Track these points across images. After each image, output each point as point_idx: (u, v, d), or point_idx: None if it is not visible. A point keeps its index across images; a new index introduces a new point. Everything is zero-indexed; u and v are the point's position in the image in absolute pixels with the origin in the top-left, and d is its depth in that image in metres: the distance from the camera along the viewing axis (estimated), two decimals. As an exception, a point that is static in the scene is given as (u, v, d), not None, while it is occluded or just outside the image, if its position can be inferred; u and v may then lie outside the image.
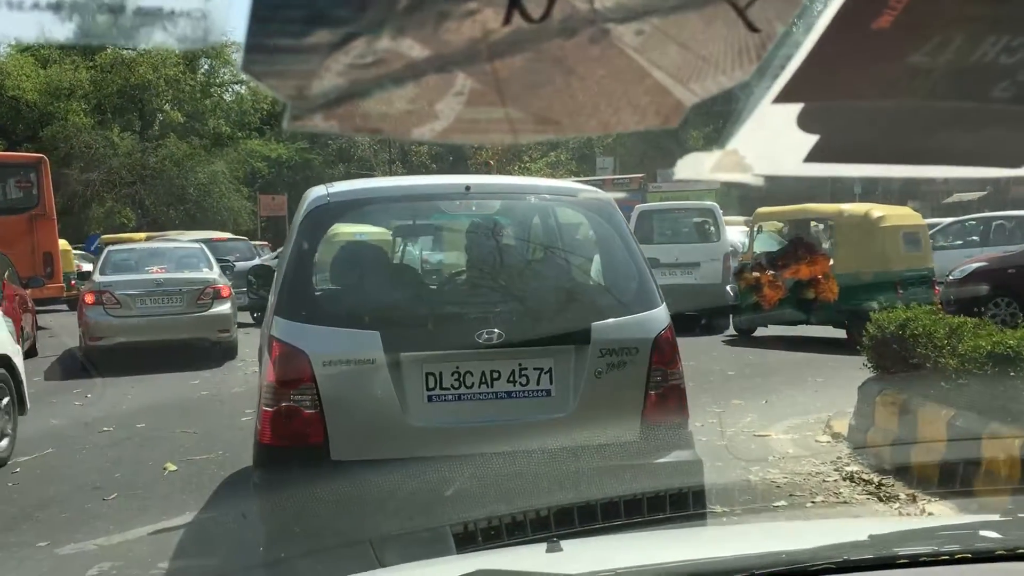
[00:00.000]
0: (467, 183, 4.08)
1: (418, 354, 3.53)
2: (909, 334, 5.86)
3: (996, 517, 1.58)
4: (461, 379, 3.55)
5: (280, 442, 3.48)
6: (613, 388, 3.60)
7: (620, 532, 2.88)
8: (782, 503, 4.80)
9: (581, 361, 3.60)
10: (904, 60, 0.64)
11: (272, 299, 3.79)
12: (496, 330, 3.51)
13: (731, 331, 12.60)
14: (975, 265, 12.31)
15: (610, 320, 3.67)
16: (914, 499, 4.75)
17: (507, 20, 0.58)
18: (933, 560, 1.38)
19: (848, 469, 5.40)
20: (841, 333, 11.23)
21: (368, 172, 37.18)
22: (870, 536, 1.46)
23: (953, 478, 4.72)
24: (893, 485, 5.03)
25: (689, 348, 10.18)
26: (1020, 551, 1.40)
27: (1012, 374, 4.84)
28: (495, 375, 3.57)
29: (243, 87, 38.57)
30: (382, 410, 3.48)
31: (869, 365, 6.50)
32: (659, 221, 14.04)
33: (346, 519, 3.38)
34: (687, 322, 12.29)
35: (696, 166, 0.71)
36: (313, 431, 3.43)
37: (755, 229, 12.96)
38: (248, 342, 12.77)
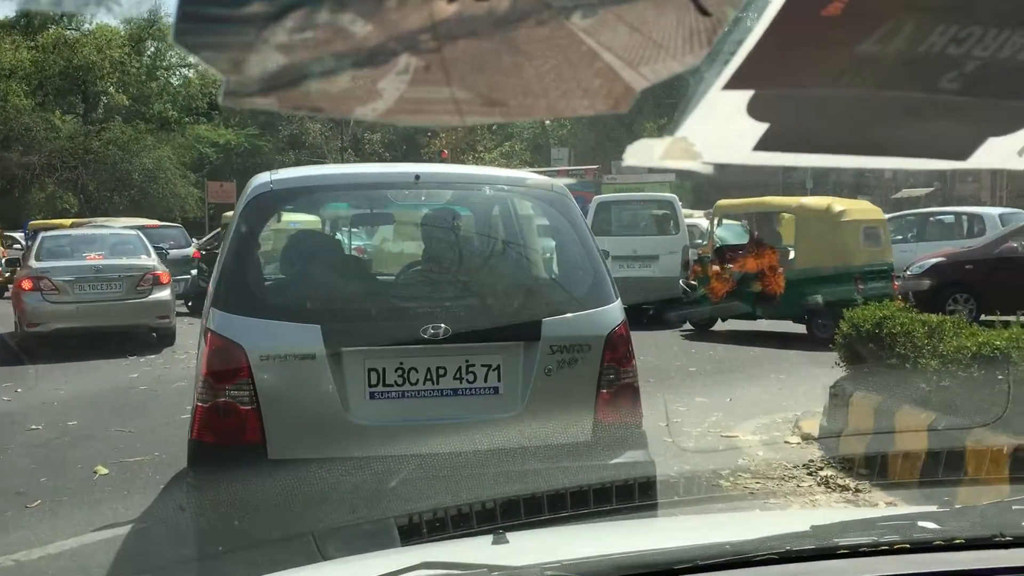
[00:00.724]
0: (417, 172, 3.96)
1: (360, 349, 3.43)
2: (886, 333, 5.66)
3: (934, 508, 1.62)
4: (405, 375, 3.46)
5: (215, 439, 3.40)
6: (564, 386, 3.54)
7: (567, 524, 2.89)
8: (756, 512, 4.65)
9: (531, 358, 3.52)
10: (854, 48, 0.64)
11: (210, 289, 3.65)
12: (443, 325, 3.43)
13: (688, 325, 12.60)
14: (934, 260, 12.51)
15: (562, 316, 3.59)
16: (894, 507, 4.48)
17: (453, -3, 0.57)
18: (872, 550, 1.42)
19: (822, 474, 5.24)
20: (801, 328, 11.33)
21: (319, 159, 36.81)
22: (812, 527, 1.50)
23: (935, 485, 4.54)
24: (871, 491, 4.86)
25: (648, 343, 10.22)
26: (957, 541, 1.44)
27: (1000, 377, 4.58)
28: (441, 371, 3.48)
29: (191, 70, 37.89)
30: (322, 407, 3.40)
31: (841, 364, 6.29)
32: (617, 212, 13.92)
33: (287, 512, 3.29)
34: (645, 316, 12.20)
35: (646, 153, 0.71)
36: (250, 429, 3.34)
37: (715, 222, 12.89)
38: (190, 332, 12.54)
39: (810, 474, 5.30)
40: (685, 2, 0.61)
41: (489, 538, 1.76)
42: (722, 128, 0.69)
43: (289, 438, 3.39)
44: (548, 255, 4.26)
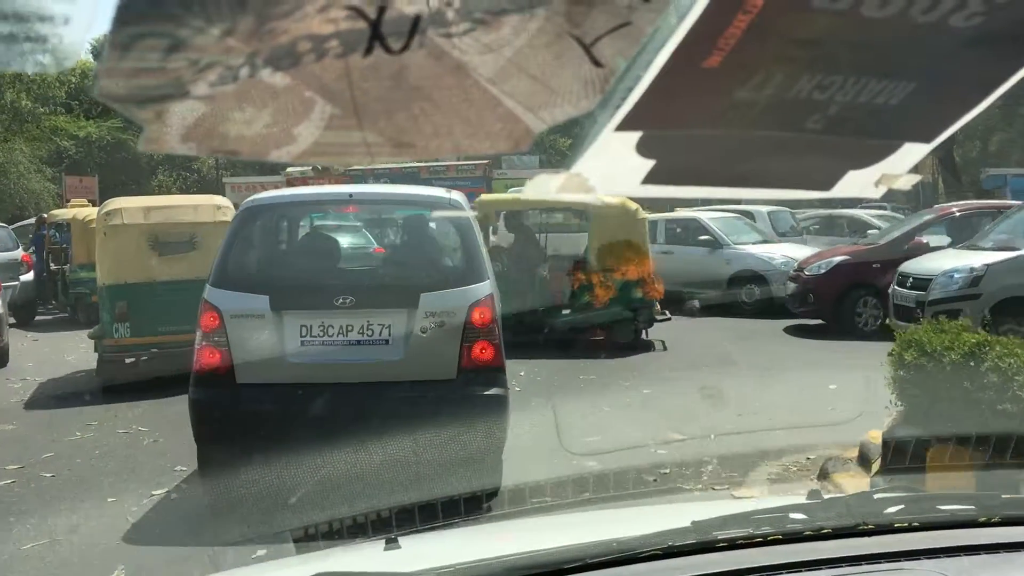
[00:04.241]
0: (350, 192, 6.54)
1: (295, 311, 5.17)
2: (988, 367, 4.28)
3: (803, 500, 1.77)
4: (325, 330, 5.16)
5: (205, 370, 5.10)
6: (435, 341, 5.10)
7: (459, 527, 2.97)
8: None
9: (412, 320, 5.12)
10: (731, 95, 0.74)
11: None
12: (351, 297, 5.17)
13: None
14: (838, 259, 11.86)
15: (436, 291, 5.19)
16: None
17: (368, 52, 0.63)
18: (748, 543, 1.54)
19: None
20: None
21: (194, 155, 35.69)
22: (692, 522, 1.62)
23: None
24: None
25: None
26: (824, 531, 1.59)
27: None
28: (349, 328, 5.17)
29: (47, 56, 36.05)
30: (269, 349, 5.10)
31: (898, 404, 4.99)
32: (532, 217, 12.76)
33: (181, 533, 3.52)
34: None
35: (544, 187, 0.79)
36: (224, 363, 5.05)
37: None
38: (31, 351, 11.11)
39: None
40: (581, 54, 0.69)
41: (382, 544, 1.80)
42: (614, 165, 0.77)
43: (249, 369, 5.10)
44: (436, 248, 6.09)
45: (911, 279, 10.38)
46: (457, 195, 5.75)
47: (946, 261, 10.37)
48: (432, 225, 6.02)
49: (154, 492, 5.54)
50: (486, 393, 5.06)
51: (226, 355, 5.04)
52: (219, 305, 5.10)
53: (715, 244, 14.41)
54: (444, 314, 5.09)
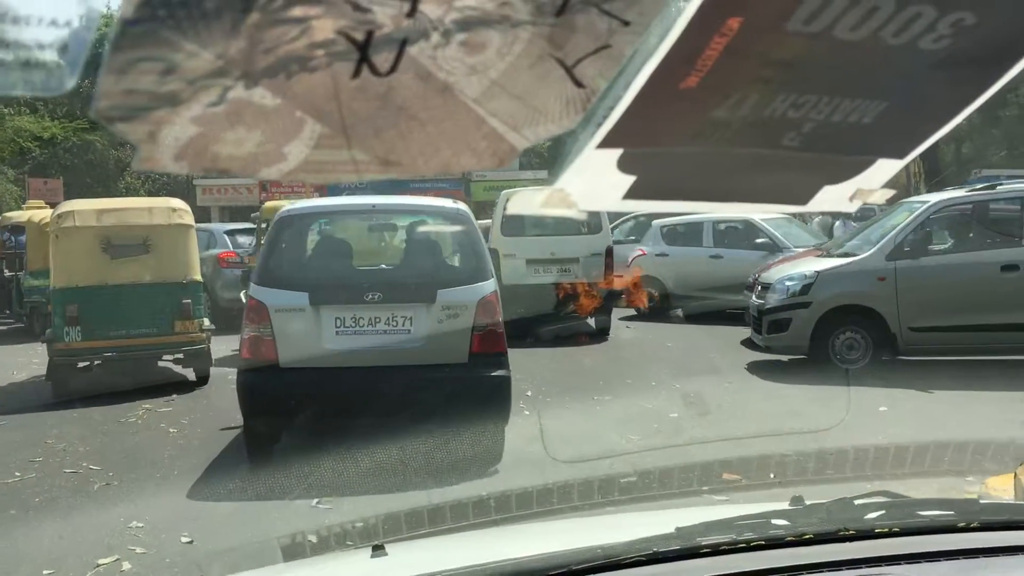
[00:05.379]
0: (374, 203, 7.82)
1: (330, 306, 6.19)
2: None
3: (786, 506, 1.81)
4: (357, 321, 6.18)
5: (252, 356, 6.16)
6: (450, 330, 6.12)
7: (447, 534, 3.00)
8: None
9: (431, 313, 6.20)
10: (708, 114, 0.78)
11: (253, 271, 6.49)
12: (379, 293, 6.23)
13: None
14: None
15: (449, 288, 6.25)
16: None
17: (356, 74, 0.67)
18: (732, 548, 1.59)
19: None
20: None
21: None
22: (677, 528, 1.66)
23: None
24: None
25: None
26: (806, 536, 1.64)
27: None
28: (377, 320, 6.21)
29: (9, 54, 35.72)
30: (308, 339, 6.12)
31: None
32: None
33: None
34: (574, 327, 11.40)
35: (528, 202, 0.82)
36: (269, 351, 6.06)
37: (263, 224, 11.02)
38: None
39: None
40: (563, 75, 0.73)
41: (368, 551, 1.83)
42: (596, 181, 0.81)
43: (290, 356, 6.07)
44: (448, 251, 7.10)
45: (760, 287, 10.19)
46: (463, 206, 6.98)
47: (791, 268, 10.10)
48: (443, 231, 7.08)
49: (100, 561, 4.61)
50: (493, 374, 6.11)
51: (270, 343, 6.05)
52: (264, 300, 6.14)
53: (773, 247, 13.58)
54: (457, 307, 6.15)
